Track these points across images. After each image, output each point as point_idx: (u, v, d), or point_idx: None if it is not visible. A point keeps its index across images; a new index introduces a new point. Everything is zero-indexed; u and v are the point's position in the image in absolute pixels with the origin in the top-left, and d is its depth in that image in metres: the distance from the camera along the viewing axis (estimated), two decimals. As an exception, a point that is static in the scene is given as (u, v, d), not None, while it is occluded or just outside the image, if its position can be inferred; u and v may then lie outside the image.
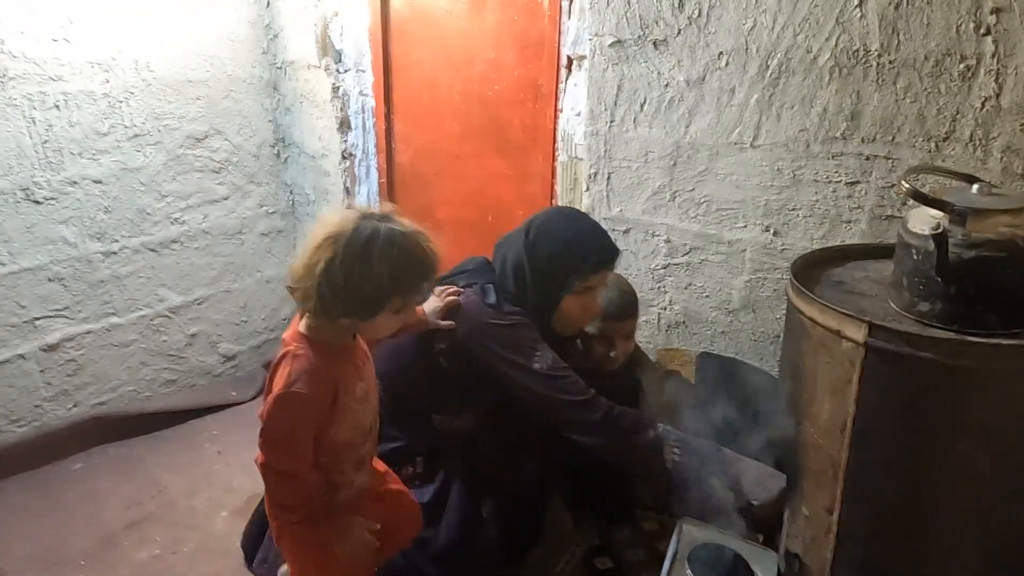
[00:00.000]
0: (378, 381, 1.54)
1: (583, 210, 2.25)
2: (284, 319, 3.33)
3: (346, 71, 2.94)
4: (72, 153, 2.48)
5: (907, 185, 1.32)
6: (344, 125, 3.00)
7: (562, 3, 2.32)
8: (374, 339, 1.45)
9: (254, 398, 3.00)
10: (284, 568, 1.62)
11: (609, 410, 1.64)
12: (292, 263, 1.30)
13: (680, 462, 1.67)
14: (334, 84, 2.94)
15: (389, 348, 1.70)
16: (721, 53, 1.96)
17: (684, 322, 2.26)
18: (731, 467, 1.68)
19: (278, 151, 3.16)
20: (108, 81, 2.52)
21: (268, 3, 2.95)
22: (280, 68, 3.04)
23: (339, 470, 1.43)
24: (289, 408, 1.29)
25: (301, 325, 1.35)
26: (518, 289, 1.73)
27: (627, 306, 1.99)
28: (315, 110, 3.02)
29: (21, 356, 2.44)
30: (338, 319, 1.29)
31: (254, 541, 1.96)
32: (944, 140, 1.71)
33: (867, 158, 1.82)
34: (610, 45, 2.13)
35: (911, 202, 1.69)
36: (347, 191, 3.09)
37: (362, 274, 1.24)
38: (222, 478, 2.48)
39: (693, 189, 2.12)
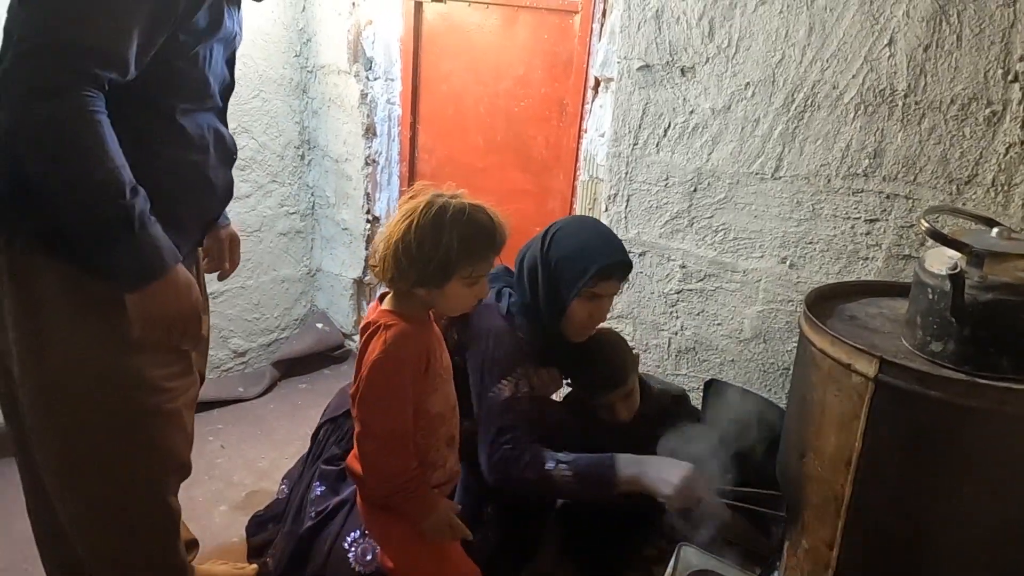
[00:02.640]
0: None
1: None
2: (296, 319, 3.35)
3: (375, 79, 2.98)
4: (102, 141, 2.52)
5: (926, 224, 1.32)
6: (369, 131, 3.04)
7: (593, 25, 2.35)
8: (447, 315, 1.54)
9: (261, 395, 3.02)
10: None
11: (516, 459, 1.64)
12: (375, 242, 1.43)
13: (574, 485, 1.64)
14: (363, 91, 2.98)
15: None
16: (748, 83, 1.97)
17: (694, 348, 2.26)
18: (629, 469, 1.63)
19: (302, 153, 3.20)
20: (142, 73, 2.57)
21: (304, 7, 3.00)
22: (311, 71, 3.09)
23: (434, 447, 1.51)
24: (388, 369, 1.38)
25: (384, 305, 1.47)
26: (531, 290, 1.77)
27: (619, 372, 1.91)
28: (342, 115, 3.06)
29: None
30: (413, 288, 1.39)
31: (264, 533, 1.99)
32: (966, 183, 1.72)
33: (887, 196, 1.82)
34: (638, 69, 2.15)
35: (929, 242, 1.70)
36: (368, 197, 3.12)
37: (434, 240, 1.35)
38: (223, 472, 2.49)
39: (711, 216, 2.12)
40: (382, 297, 1.50)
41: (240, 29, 1.48)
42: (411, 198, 1.41)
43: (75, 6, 1.13)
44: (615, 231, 2.29)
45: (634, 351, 2.05)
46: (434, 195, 1.40)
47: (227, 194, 1.56)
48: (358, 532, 1.69)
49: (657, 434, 1.83)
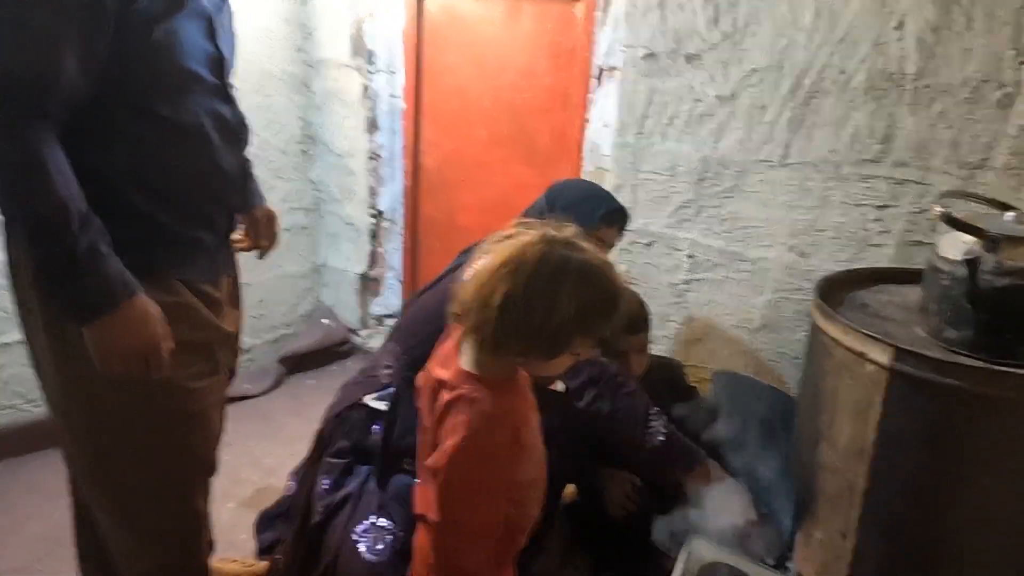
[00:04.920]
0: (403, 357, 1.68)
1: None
2: (301, 315, 3.34)
3: (377, 72, 2.96)
4: (104, 139, 2.51)
5: (940, 209, 1.30)
6: (372, 126, 3.02)
7: (596, 14, 2.32)
8: (537, 376, 1.29)
9: (267, 392, 3.01)
10: None
11: (614, 375, 1.71)
12: (463, 286, 1.14)
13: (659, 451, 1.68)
14: (365, 84, 2.96)
15: (413, 314, 1.85)
16: (754, 70, 1.95)
17: (703, 338, 2.24)
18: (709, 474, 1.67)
19: (305, 148, 3.18)
20: (143, 70, 2.55)
21: (305, 1, 2.98)
22: (312, 66, 3.07)
23: (526, 513, 1.28)
24: (475, 458, 1.13)
25: (465, 362, 1.19)
26: None
27: (639, 318, 1.97)
28: (345, 109, 3.04)
29: (41, 337, 2.46)
30: (513, 357, 1.14)
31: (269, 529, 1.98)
32: (978, 167, 1.69)
33: (898, 182, 1.80)
34: (642, 57, 2.13)
35: (941, 228, 1.67)
36: (372, 191, 3.11)
37: (547, 310, 1.07)
38: (230, 469, 2.47)
39: (719, 205, 2.10)
40: (459, 344, 1.23)
41: None
42: (511, 237, 1.12)
43: None
44: (622, 222, 2.28)
45: None
46: (545, 244, 1.10)
47: (242, 176, 1.51)
48: (367, 523, 1.67)
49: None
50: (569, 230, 1.14)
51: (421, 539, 1.35)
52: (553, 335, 1.09)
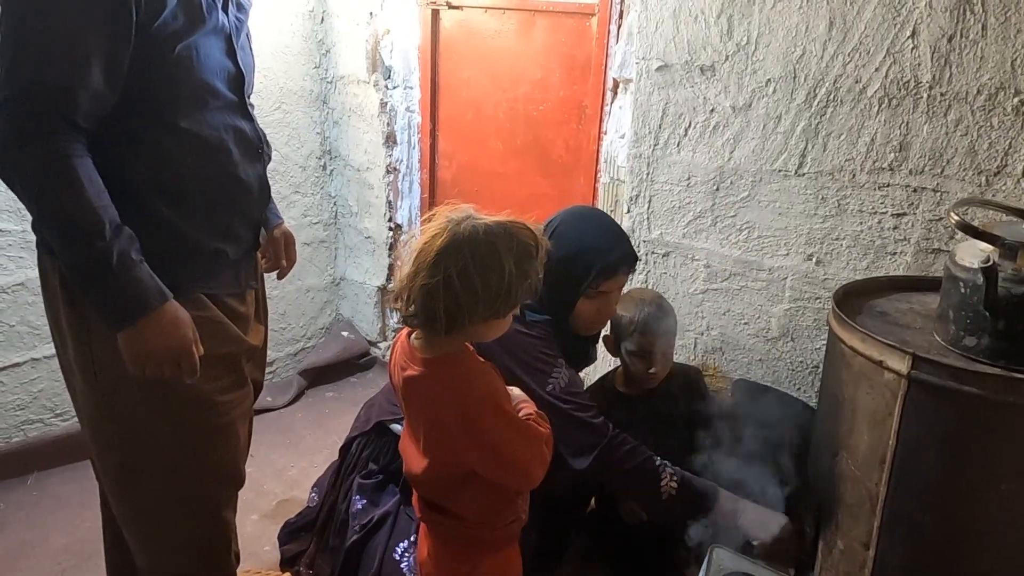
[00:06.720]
0: None
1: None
2: (322, 328, 3.38)
3: (394, 87, 3.00)
4: (128, 157, 2.56)
5: (956, 217, 1.30)
6: (390, 140, 3.06)
7: (610, 26, 2.34)
8: (487, 340, 1.42)
9: (289, 404, 3.04)
10: None
11: (613, 436, 1.61)
12: (398, 290, 1.27)
13: (675, 497, 1.61)
14: (382, 99, 3.00)
15: None
16: (768, 80, 1.95)
17: (721, 348, 2.24)
18: (728, 503, 1.62)
19: (324, 163, 3.22)
20: (166, 89, 2.60)
21: (322, 19, 3.03)
22: (330, 82, 3.11)
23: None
24: (492, 402, 1.28)
25: (421, 352, 1.31)
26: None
27: (665, 321, 1.97)
28: (362, 124, 3.08)
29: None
30: (476, 325, 1.26)
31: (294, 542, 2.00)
32: (995, 175, 1.69)
33: (915, 190, 1.80)
34: (657, 69, 2.14)
35: (959, 235, 1.67)
36: (390, 205, 3.14)
37: (498, 271, 1.22)
38: (253, 481, 2.50)
39: (735, 215, 2.11)
40: (408, 334, 1.36)
41: (240, 12, 1.42)
42: (425, 233, 1.25)
43: (26, 52, 1.13)
44: (637, 233, 2.29)
45: None
46: (464, 223, 1.24)
47: (263, 190, 1.53)
48: (407, 542, 1.68)
49: (675, 411, 1.84)
50: (467, 207, 1.29)
51: (429, 544, 1.43)
52: (507, 290, 1.23)
